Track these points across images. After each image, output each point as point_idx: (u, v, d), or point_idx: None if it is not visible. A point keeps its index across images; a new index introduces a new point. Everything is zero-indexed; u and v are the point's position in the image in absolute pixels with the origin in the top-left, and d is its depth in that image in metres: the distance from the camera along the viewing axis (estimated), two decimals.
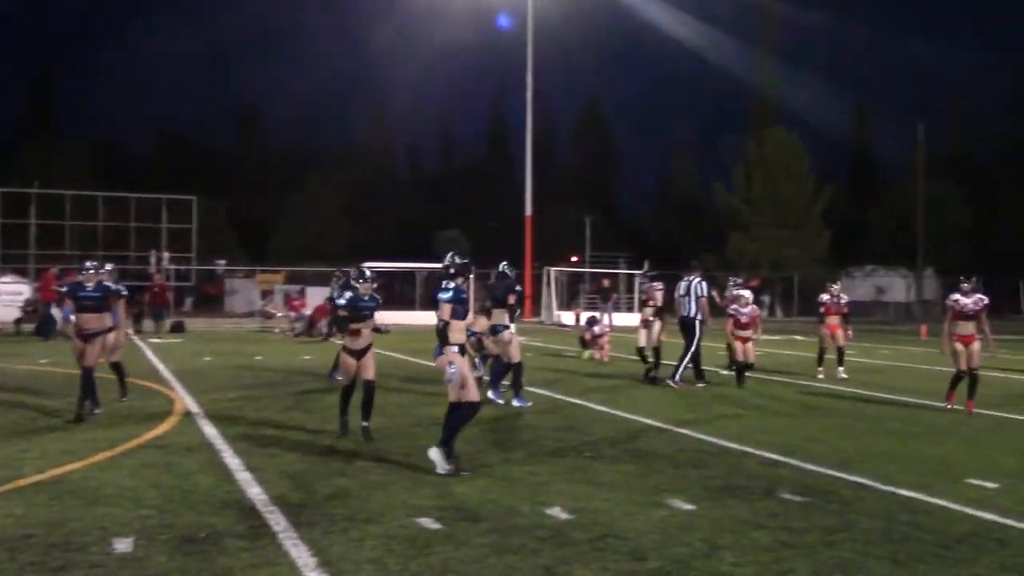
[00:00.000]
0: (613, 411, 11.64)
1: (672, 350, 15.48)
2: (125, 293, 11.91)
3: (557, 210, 56.94)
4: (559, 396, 13.07)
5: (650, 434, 10.02)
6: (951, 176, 54.28)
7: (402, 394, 13.17)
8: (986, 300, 11.91)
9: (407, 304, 40.10)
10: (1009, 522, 6.46)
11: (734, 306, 15.22)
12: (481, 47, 60.03)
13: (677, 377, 14.50)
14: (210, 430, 9.74)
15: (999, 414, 11.92)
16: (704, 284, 15.11)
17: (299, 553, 5.53)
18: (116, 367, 11.89)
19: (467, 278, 8.08)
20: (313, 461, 8.20)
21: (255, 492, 7.00)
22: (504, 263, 13.31)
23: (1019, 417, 11.52)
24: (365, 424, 9.28)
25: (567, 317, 34.80)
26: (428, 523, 6.22)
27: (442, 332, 7.77)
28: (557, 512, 6.54)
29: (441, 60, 67.76)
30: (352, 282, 9.62)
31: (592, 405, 12.21)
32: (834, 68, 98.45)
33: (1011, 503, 7.01)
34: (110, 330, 11.02)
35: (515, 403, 11.92)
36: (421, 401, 12.40)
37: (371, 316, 9.51)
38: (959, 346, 11.82)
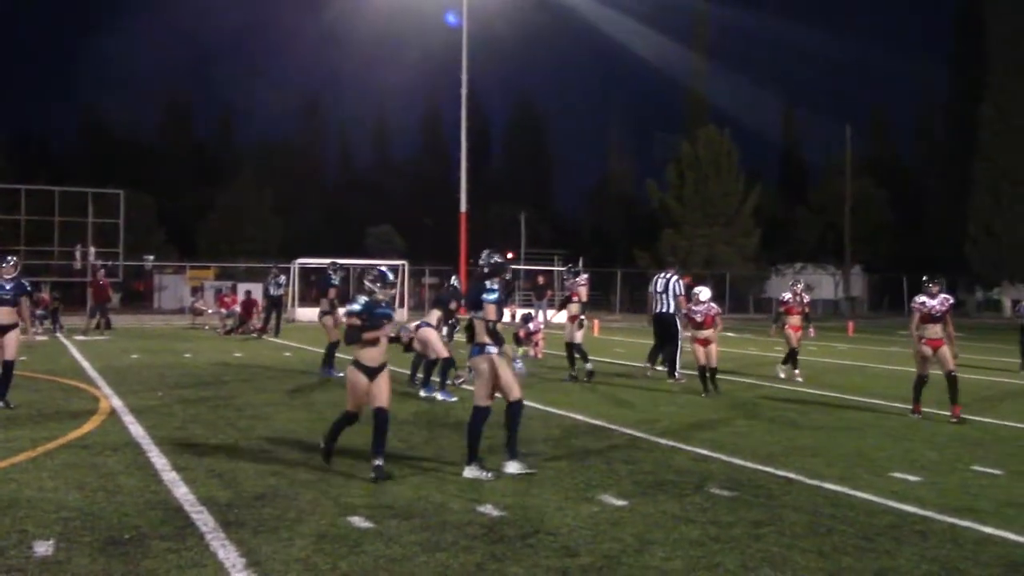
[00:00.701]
0: (546, 408, 11.67)
1: (603, 346, 15.57)
2: (29, 289, 11.45)
3: (492, 207, 56.99)
4: (493, 393, 13.03)
5: (582, 430, 10.07)
6: (877, 175, 55.52)
7: (333, 390, 13.04)
8: (951, 300, 11.61)
9: (342, 300, 39.75)
10: (930, 514, 6.62)
11: (688, 305, 14.42)
12: (416, 42, 59.79)
13: (677, 374, 15.12)
14: (136, 429, 9.54)
15: (925, 408, 12.21)
16: (681, 282, 15.70)
17: (227, 554, 5.44)
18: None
19: (502, 278, 8.01)
20: (243, 460, 8.08)
21: (182, 492, 6.88)
22: (454, 278, 14.10)
23: (942, 412, 11.82)
24: (378, 463, 7.43)
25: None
26: (359, 521, 6.17)
27: (494, 332, 7.78)
28: (489, 509, 6.54)
29: (374, 55, 67.30)
30: (368, 284, 7.96)
31: (525, 402, 12.19)
32: (765, 69, 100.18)
33: (932, 496, 7.18)
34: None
35: (440, 395, 11.95)
36: None
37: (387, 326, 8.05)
38: (927, 350, 11.36)
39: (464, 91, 38.83)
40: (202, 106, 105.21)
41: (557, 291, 39.82)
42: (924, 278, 11.79)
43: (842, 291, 54.80)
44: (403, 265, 36.57)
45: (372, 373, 7.57)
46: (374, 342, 7.57)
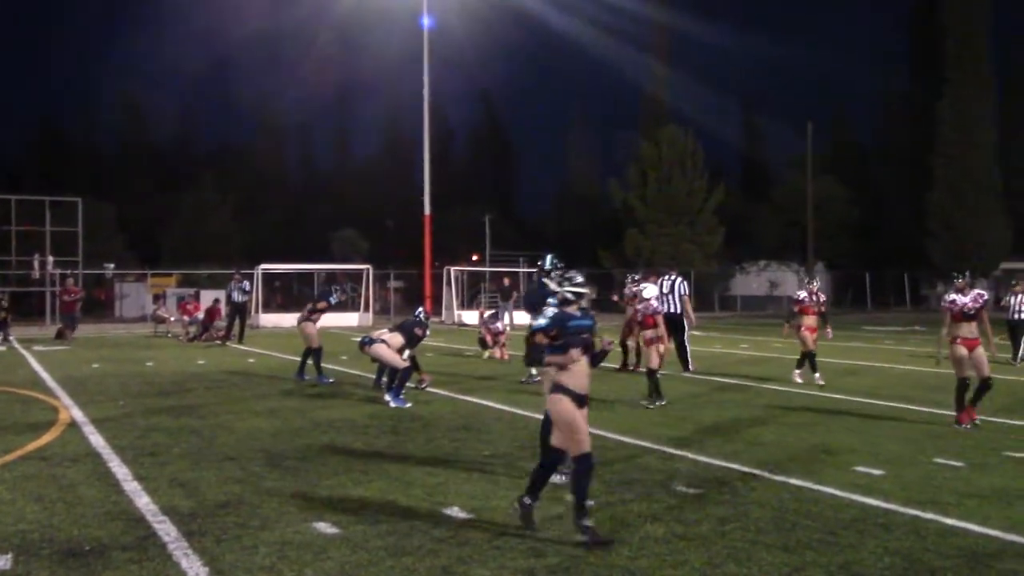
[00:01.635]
0: (512, 410, 11.66)
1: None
2: None
3: (456, 209, 56.88)
4: (458, 396, 13.03)
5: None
6: (838, 173, 56.05)
7: (296, 396, 12.95)
8: (985, 296, 10.58)
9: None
10: (893, 507, 6.68)
11: (637, 304, 14.49)
12: (377, 45, 59.55)
13: (691, 366, 16.21)
14: (97, 439, 9.41)
15: (886, 403, 12.35)
16: (685, 283, 16.72)
17: (190, 563, 5.38)
18: None
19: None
20: (205, 469, 7.99)
21: (144, 502, 6.79)
22: (420, 310, 13.87)
23: (906, 406, 11.95)
24: (586, 524, 5.81)
25: (468, 316, 34.81)
26: (324, 528, 6.12)
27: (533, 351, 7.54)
28: (456, 512, 6.52)
29: (335, 58, 66.87)
30: (556, 284, 6.56)
31: (491, 404, 12.22)
32: (725, 71, 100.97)
33: (895, 489, 7.25)
34: None
35: (393, 403, 11.87)
36: (315, 404, 12.21)
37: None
38: (961, 350, 10.36)
39: (426, 93, 38.70)
40: (161, 112, 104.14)
41: (523, 293, 39.85)
42: (953, 273, 10.96)
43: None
44: (367, 269, 36.42)
45: (582, 401, 6.00)
46: (570, 364, 6.00)
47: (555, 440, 6.11)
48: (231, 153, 64.99)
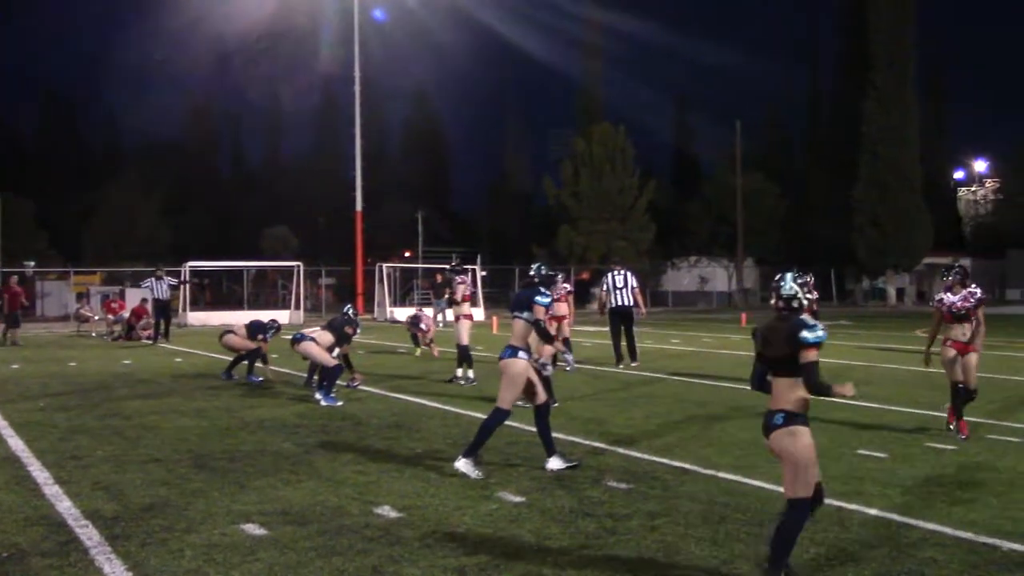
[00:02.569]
0: (444, 407, 11.63)
1: (501, 343, 15.56)
2: None
3: (389, 205, 56.58)
4: (391, 394, 12.95)
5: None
6: (768, 170, 57.01)
7: (224, 396, 12.74)
8: (978, 294, 9.50)
9: (236, 304, 39.06)
10: None
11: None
12: (308, 40, 58.87)
13: (637, 358, 16.77)
14: (16, 443, 9.14)
15: (812, 397, 12.55)
16: (634, 276, 17.30)
17: (113, 568, 5.26)
18: None
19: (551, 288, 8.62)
20: (130, 471, 7.82)
21: (65, 506, 6.62)
22: (350, 307, 13.74)
23: (832, 400, 12.16)
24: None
25: (400, 313, 34.63)
26: (252, 529, 6.03)
27: (543, 331, 8.06)
28: (386, 511, 6.47)
29: (266, 52, 65.99)
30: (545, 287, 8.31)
31: (423, 401, 12.17)
32: (657, 70, 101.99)
33: (821, 480, 7.36)
34: None
35: (324, 401, 11.74)
36: (244, 403, 12.03)
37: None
38: (950, 352, 9.44)
39: (357, 89, 38.44)
40: (86, 107, 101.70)
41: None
42: (942, 270, 10.02)
43: (735, 283, 56.08)
44: (298, 266, 36.02)
45: None
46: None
47: (790, 485, 4.93)
48: (159, 149, 63.76)
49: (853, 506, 6.58)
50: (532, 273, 8.52)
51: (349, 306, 13.87)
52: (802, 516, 4.88)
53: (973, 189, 71.08)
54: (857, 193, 53.33)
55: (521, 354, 7.83)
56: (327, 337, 12.50)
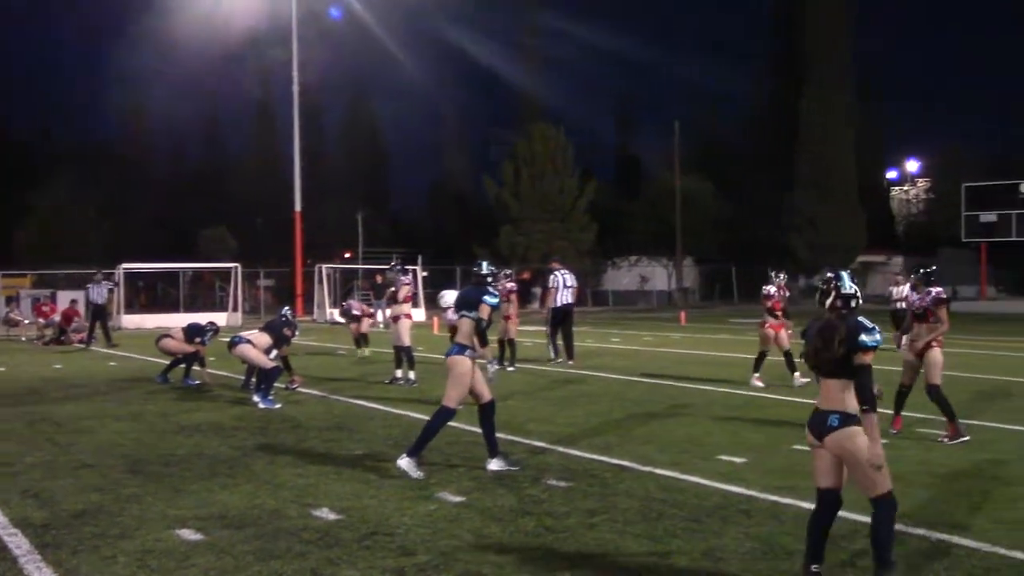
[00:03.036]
0: (385, 408, 11.58)
1: (444, 343, 15.53)
2: None
3: (329, 206, 56.09)
4: (331, 396, 12.85)
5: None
6: (707, 170, 57.66)
7: (159, 400, 12.54)
8: (933, 292, 9.28)
9: (171, 306, 38.46)
10: (753, 493, 6.90)
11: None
12: (246, 39, 58.15)
13: (574, 357, 17.00)
14: None
15: (751, 393, 12.75)
16: (574, 275, 17.87)
17: None
18: None
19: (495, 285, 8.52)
20: (61, 477, 7.66)
21: None
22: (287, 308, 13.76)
23: (770, 396, 12.36)
24: None
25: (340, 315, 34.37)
26: (188, 534, 5.95)
27: (482, 333, 7.88)
28: (325, 513, 6.42)
29: (205, 51, 65.02)
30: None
31: (364, 403, 12.09)
32: (597, 70, 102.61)
33: (756, 476, 7.49)
34: None
35: (262, 404, 11.61)
36: (180, 407, 11.85)
37: None
38: (907, 355, 9.44)
39: (296, 88, 38.08)
40: (17, 107, 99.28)
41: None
42: (917, 268, 9.85)
43: (675, 282, 56.64)
44: (236, 268, 35.57)
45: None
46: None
47: (867, 484, 4.82)
48: (94, 149, 62.46)
49: (788, 500, 6.69)
50: (485, 272, 8.34)
51: (287, 308, 13.76)
52: (892, 509, 4.80)
53: (906, 189, 72.59)
54: (794, 193, 54.19)
55: (468, 352, 7.82)
56: (264, 339, 12.37)
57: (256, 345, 12.19)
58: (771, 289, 13.91)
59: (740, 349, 20.25)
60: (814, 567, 4.93)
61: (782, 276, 14.49)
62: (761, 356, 13.58)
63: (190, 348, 14.16)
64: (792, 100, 54.81)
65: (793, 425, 10.00)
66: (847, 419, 4.85)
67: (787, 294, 14.46)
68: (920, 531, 5.93)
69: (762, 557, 5.46)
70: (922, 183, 70.33)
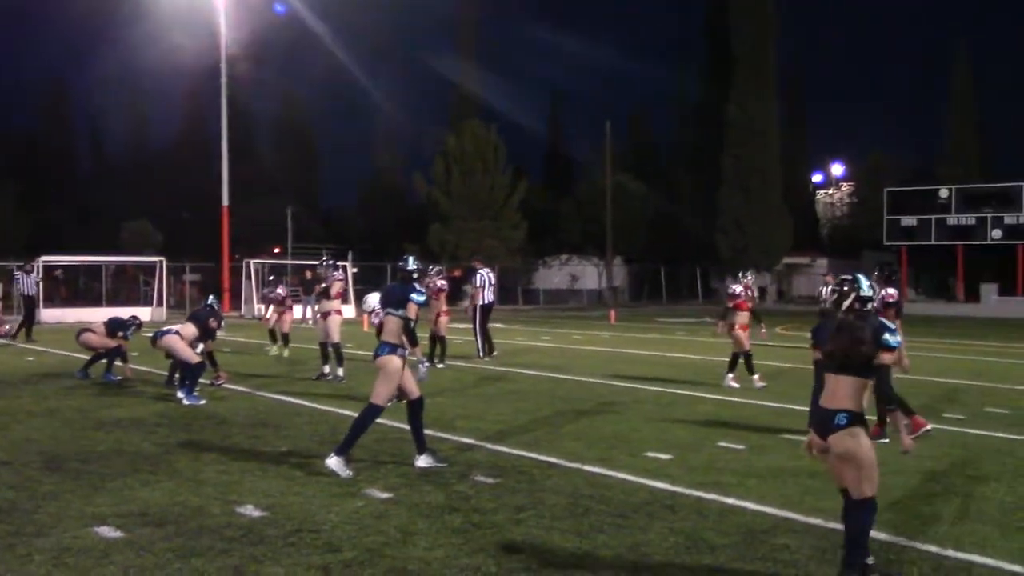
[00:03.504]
0: (312, 404, 11.46)
1: (372, 340, 15.42)
2: None
3: (258, 201, 55.33)
4: (256, 392, 12.66)
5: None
6: (637, 170, 58.18)
7: (78, 395, 12.24)
8: (884, 293, 9.34)
9: (94, 300, 37.55)
10: (679, 489, 6.99)
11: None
12: (173, 32, 57.06)
13: (495, 350, 17.40)
14: None
15: (678, 391, 12.91)
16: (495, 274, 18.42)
17: None
18: None
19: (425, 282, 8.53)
20: None
21: None
22: (212, 297, 13.52)
23: (696, 393, 12.51)
24: None
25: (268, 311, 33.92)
26: (107, 532, 5.82)
27: (411, 332, 7.78)
28: (249, 510, 6.34)
29: (130, 41, 63.60)
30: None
31: (290, 400, 11.95)
32: (531, 70, 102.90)
33: (681, 472, 7.59)
34: None
35: (187, 400, 11.40)
36: (100, 403, 11.58)
37: None
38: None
39: (224, 81, 37.50)
40: None
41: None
42: (886, 265, 9.63)
43: (605, 281, 57.06)
44: (161, 262, 34.88)
45: None
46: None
47: (857, 485, 4.95)
48: (13, 139, 60.75)
49: (711, 496, 6.79)
50: (411, 268, 8.20)
51: (212, 296, 13.47)
52: (871, 514, 4.95)
53: (830, 192, 74.11)
54: (721, 194, 54.97)
55: (399, 352, 7.77)
56: (190, 329, 12.15)
57: (183, 336, 11.97)
58: (737, 288, 13.76)
59: (668, 348, 20.50)
60: (869, 560, 5.01)
61: (749, 276, 14.43)
62: (734, 358, 13.39)
63: (112, 343, 13.84)
64: (719, 100, 55.56)
65: (719, 423, 10.17)
66: (854, 418, 4.94)
67: (754, 294, 14.36)
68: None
69: (686, 552, 5.53)
70: (846, 187, 71.86)
